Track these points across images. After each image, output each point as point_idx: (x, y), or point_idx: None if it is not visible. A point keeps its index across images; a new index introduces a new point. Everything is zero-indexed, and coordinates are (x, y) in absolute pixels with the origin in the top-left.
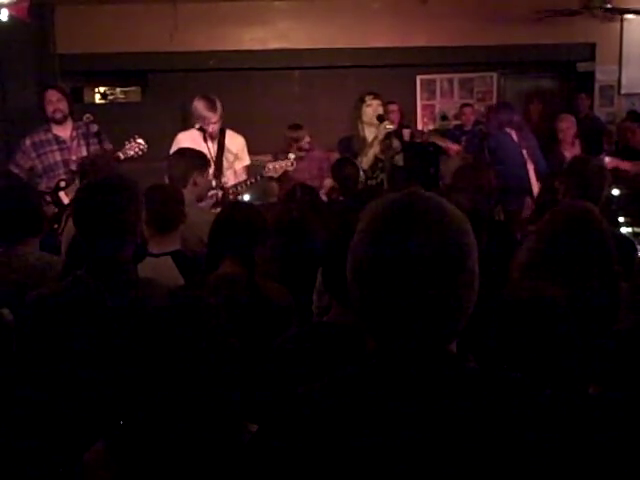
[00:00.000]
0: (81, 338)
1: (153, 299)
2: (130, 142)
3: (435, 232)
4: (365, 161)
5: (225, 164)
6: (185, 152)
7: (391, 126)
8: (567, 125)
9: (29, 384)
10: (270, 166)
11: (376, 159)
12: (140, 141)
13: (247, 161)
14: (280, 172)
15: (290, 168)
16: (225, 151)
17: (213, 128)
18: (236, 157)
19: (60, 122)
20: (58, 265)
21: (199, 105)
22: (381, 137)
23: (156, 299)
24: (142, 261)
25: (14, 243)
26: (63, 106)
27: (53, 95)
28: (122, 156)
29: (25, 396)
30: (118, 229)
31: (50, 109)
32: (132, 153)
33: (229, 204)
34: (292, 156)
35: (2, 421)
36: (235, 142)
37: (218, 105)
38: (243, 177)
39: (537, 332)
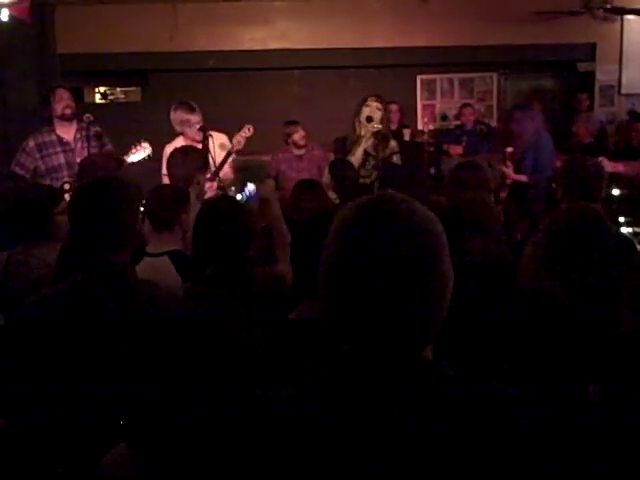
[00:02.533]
0: (80, 341)
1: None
2: (136, 146)
3: (405, 234)
4: (353, 160)
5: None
6: (188, 151)
7: (379, 126)
8: (584, 126)
9: (31, 387)
10: (234, 141)
11: (369, 156)
12: (145, 145)
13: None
14: (244, 141)
15: (248, 134)
16: (213, 148)
17: (195, 130)
18: (221, 147)
19: (70, 119)
20: None
21: (178, 112)
22: (368, 136)
23: (171, 302)
24: (139, 261)
25: (32, 243)
26: (73, 104)
27: (64, 93)
28: (127, 160)
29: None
30: (114, 230)
31: (61, 106)
32: (139, 158)
33: (209, 201)
34: (248, 126)
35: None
36: (218, 142)
37: (196, 107)
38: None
39: (541, 332)
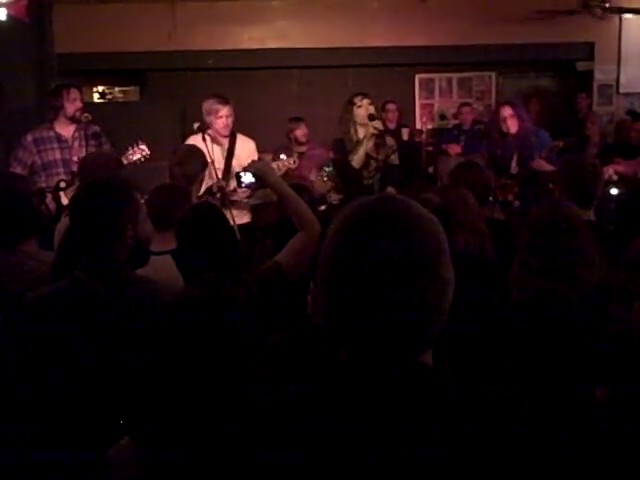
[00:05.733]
0: (81, 337)
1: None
2: (133, 147)
3: (403, 237)
4: (356, 160)
5: (231, 169)
6: (194, 150)
7: (379, 126)
8: (596, 128)
9: (29, 385)
10: (273, 164)
11: (370, 159)
12: (143, 147)
13: None
14: (283, 171)
15: (293, 166)
16: (234, 157)
17: (222, 123)
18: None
19: (77, 122)
20: None
21: (209, 101)
22: (369, 135)
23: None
24: (147, 260)
25: (15, 244)
26: (81, 105)
27: (77, 94)
28: (125, 161)
29: (25, 396)
30: (114, 229)
31: (74, 108)
32: (135, 159)
33: (188, 211)
34: (295, 155)
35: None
36: (245, 147)
37: (229, 101)
38: None
39: (536, 331)
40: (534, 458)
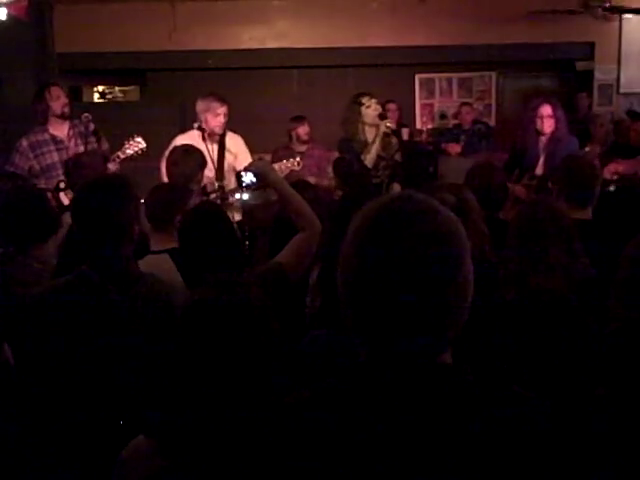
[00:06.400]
0: (89, 332)
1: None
2: (129, 141)
3: (427, 238)
4: (369, 159)
5: (225, 166)
6: (191, 150)
7: (390, 124)
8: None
9: (32, 383)
10: (275, 167)
11: (380, 158)
12: (139, 140)
13: (248, 160)
14: (286, 172)
15: (296, 168)
16: (225, 152)
17: (218, 121)
18: (235, 157)
19: (68, 118)
20: None
21: (206, 99)
22: (381, 134)
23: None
24: (142, 258)
25: (29, 245)
26: (67, 101)
27: (60, 91)
28: (122, 155)
29: (29, 395)
30: (116, 226)
31: (60, 104)
32: (131, 152)
33: (191, 211)
34: (298, 157)
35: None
36: (235, 142)
37: (225, 100)
38: None
39: (534, 331)
40: (552, 457)
